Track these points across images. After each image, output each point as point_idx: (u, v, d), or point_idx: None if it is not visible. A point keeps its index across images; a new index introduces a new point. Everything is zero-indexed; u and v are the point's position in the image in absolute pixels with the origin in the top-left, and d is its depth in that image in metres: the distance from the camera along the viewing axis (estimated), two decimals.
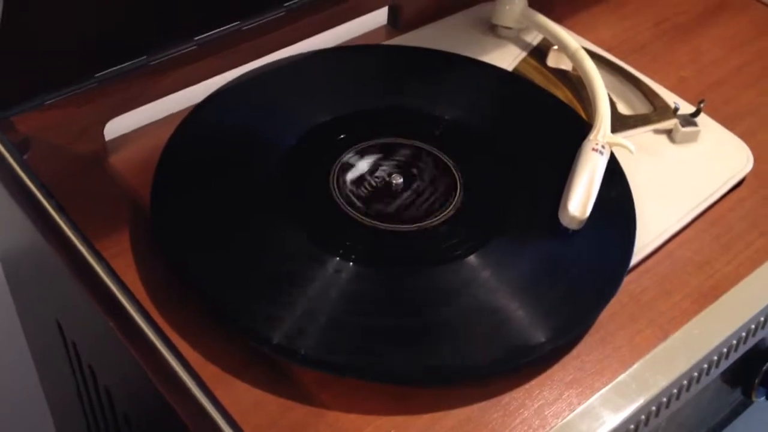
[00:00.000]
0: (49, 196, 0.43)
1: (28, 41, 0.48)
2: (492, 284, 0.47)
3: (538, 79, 0.62)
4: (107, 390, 0.47)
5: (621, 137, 0.54)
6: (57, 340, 0.50)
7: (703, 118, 0.58)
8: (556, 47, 0.62)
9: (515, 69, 0.62)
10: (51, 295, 0.49)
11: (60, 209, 0.43)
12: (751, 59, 0.66)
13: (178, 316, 0.45)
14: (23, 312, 0.59)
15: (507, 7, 0.63)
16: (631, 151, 0.54)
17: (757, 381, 0.59)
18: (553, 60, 0.62)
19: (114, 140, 0.55)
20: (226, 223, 0.48)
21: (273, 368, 0.44)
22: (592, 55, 0.61)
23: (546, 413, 0.43)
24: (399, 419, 0.43)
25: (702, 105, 0.57)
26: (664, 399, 0.43)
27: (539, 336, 0.44)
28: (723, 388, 0.58)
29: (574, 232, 0.49)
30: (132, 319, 0.40)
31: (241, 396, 0.43)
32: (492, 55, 0.63)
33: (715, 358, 0.46)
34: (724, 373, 0.55)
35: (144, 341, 0.39)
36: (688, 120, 0.57)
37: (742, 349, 0.49)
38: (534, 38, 0.64)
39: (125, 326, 0.40)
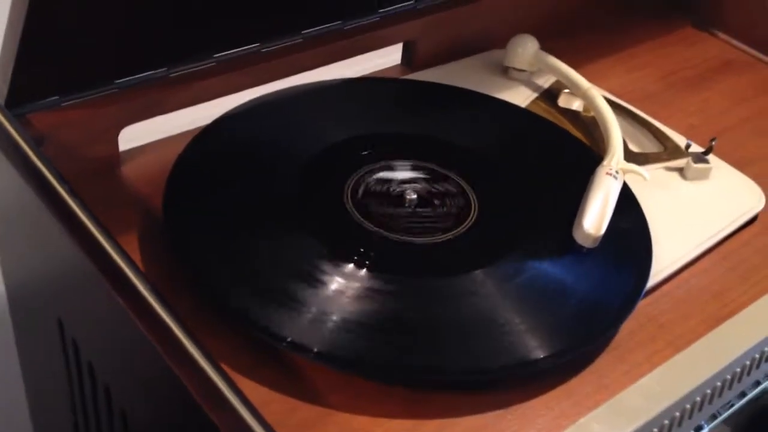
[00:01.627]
0: (62, 180, 0.43)
1: (50, 40, 0.48)
2: (503, 297, 0.46)
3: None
4: (106, 387, 0.45)
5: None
6: (54, 341, 0.49)
7: (714, 159, 0.58)
8: (567, 90, 0.63)
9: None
10: (56, 291, 0.48)
11: (73, 193, 0.42)
12: (758, 113, 0.67)
13: (184, 318, 0.44)
14: (19, 319, 0.57)
15: (519, 50, 0.64)
16: (644, 178, 0.54)
17: None
18: (564, 101, 0.63)
19: (128, 151, 0.55)
20: (239, 228, 0.48)
21: (281, 369, 0.43)
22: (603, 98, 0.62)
23: (563, 423, 0.42)
24: (410, 423, 0.41)
25: (714, 143, 0.58)
26: (687, 405, 0.42)
27: (547, 349, 0.43)
28: None
29: (589, 251, 0.49)
30: (144, 298, 0.38)
31: (247, 395, 0.41)
32: (504, 95, 0.63)
33: (738, 370, 0.45)
34: (735, 429, 0.54)
35: (159, 324, 0.38)
36: (700, 157, 0.58)
37: (756, 374, 0.48)
38: (545, 81, 0.65)
39: (137, 306, 0.38)
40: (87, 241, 0.41)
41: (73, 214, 0.42)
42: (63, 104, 0.50)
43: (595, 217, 0.49)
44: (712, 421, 0.48)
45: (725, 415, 0.49)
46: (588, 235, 0.49)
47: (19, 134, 0.46)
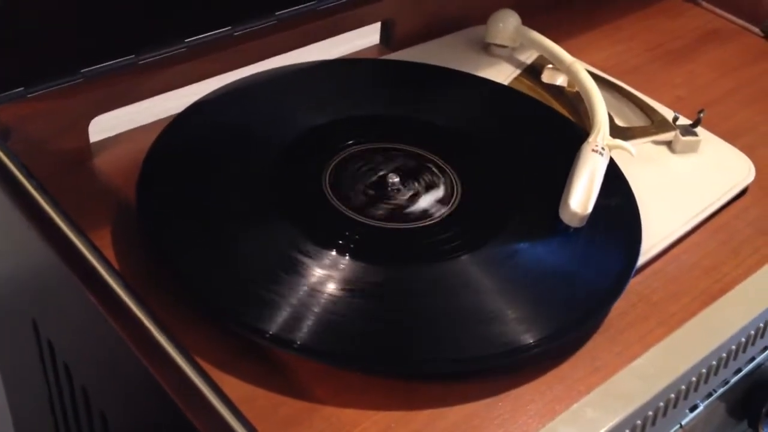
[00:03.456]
0: (30, 176, 0.41)
1: (14, 30, 0.46)
2: (490, 281, 0.44)
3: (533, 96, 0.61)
4: (84, 389, 0.43)
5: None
6: (30, 343, 0.47)
7: (702, 132, 0.57)
8: (550, 65, 0.62)
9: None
10: (29, 292, 0.46)
11: (41, 188, 0.41)
12: (745, 83, 0.65)
13: (161, 314, 0.43)
14: None
15: (501, 25, 0.63)
16: (631, 154, 0.52)
17: (764, 411, 0.56)
18: (548, 76, 0.62)
19: (100, 142, 0.53)
20: (217, 218, 0.46)
21: (264, 364, 0.42)
22: (587, 72, 0.60)
23: (556, 408, 0.41)
24: (399, 414, 0.40)
25: (702, 114, 0.57)
26: (683, 386, 0.41)
27: (538, 334, 0.42)
28: (728, 421, 0.56)
29: (576, 230, 0.48)
30: (118, 296, 0.37)
31: (230, 391, 0.39)
32: (485, 72, 0.62)
33: (733, 347, 0.43)
34: (729, 405, 0.53)
35: (133, 323, 0.36)
36: (688, 130, 0.56)
37: (752, 350, 0.47)
38: (528, 57, 0.64)
39: (110, 304, 0.37)
40: (57, 239, 0.40)
41: (41, 210, 0.41)
42: (29, 95, 0.48)
43: (582, 195, 0.48)
44: (707, 399, 0.47)
45: (720, 391, 0.48)
46: (574, 215, 0.47)
47: None
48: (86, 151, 0.51)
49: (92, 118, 0.51)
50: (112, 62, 0.51)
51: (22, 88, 0.48)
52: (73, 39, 0.49)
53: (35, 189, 0.41)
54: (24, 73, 0.48)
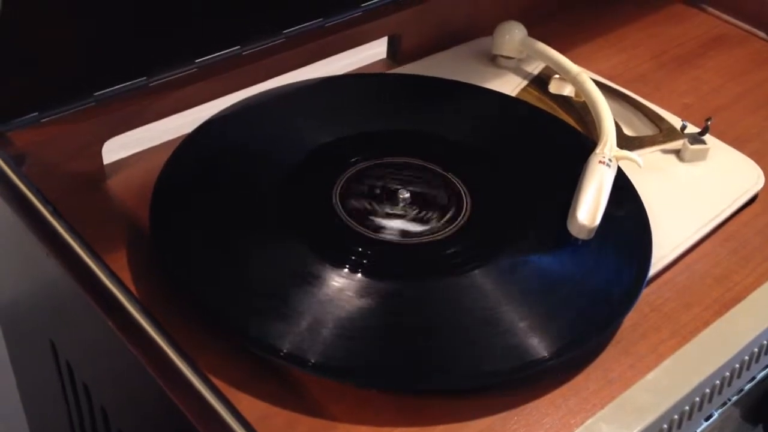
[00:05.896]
0: (46, 202, 0.42)
1: (26, 55, 0.47)
2: (503, 295, 0.45)
3: (540, 107, 0.61)
4: (103, 409, 0.44)
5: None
6: (49, 363, 0.48)
7: (710, 139, 0.57)
8: (557, 75, 0.62)
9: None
10: (46, 314, 0.47)
11: (57, 215, 0.41)
12: (752, 87, 0.65)
13: (176, 333, 0.43)
14: (13, 341, 0.56)
15: (507, 37, 0.63)
16: (638, 165, 0.53)
17: None
18: (555, 87, 0.62)
19: (112, 164, 0.54)
20: (230, 237, 0.47)
21: (279, 382, 0.42)
22: (594, 82, 0.60)
23: (571, 422, 0.41)
24: (414, 430, 0.41)
25: (709, 123, 0.57)
26: (697, 399, 0.41)
27: (552, 347, 0.42)
28: (743, 426, 0.56)
29: (587, 242, 0.48)
30: (135, 320, 0.37)
31: (245, 410, 0.40)
32: (493, 84, 0.62)
33: (746, 358, 0.44)
34: (743, 410, 0.53)
35: (150, 346, 0.37)
36: (697, 138, 0.57)
37: (766, 359, 0.47)
38: (535, 68, 0.64)
39: (127, 328, 0.37)
40: (74, 264, 0.40)
41: (57, 236, 0.41)
42: (42, 120, 0.49)
43: (589, 207, 0.48)
44: (722, 408, 0.47)
45: (734, 399, 0.48)
46: (582, 227, 0.48)
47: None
48: (100, 173, 0.52)
49: (105, 140, 0.51)
50: (123, 85, 0.51)
51: (36, 113, 0.49)
52: (85, 63, 0.50)
53: (51, 215, 0.41)
54: (37, 98, 0.49)
